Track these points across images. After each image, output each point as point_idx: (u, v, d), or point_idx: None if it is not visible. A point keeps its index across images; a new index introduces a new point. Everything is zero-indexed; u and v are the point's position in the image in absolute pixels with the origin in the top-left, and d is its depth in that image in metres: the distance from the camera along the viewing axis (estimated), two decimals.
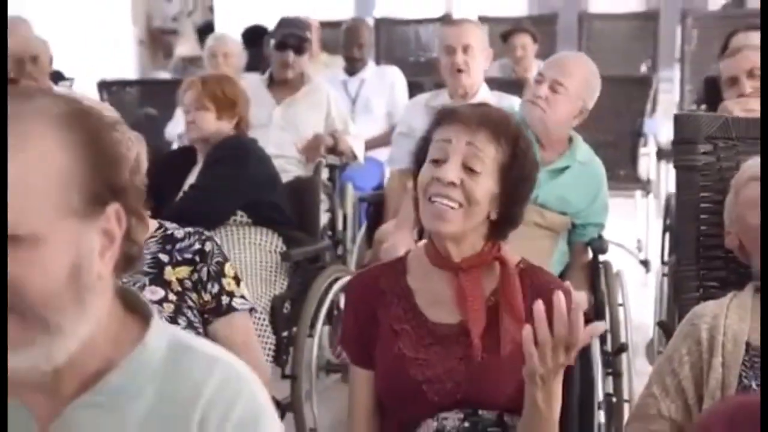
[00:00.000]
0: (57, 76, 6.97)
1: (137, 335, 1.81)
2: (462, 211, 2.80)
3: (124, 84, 8.31)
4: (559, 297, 2.45)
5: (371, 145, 6.42)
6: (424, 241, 3.13)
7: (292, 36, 6.19)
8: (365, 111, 6.80)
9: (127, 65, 13.29)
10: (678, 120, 3.61)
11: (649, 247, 6.41)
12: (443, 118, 2.97)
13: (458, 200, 2.81)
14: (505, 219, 2.87)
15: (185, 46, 14.45)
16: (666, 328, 4.15)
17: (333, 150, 5.85)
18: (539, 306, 2.44)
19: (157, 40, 15.42)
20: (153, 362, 1.81)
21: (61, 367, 1.72)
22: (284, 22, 6.54)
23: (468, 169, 2.81)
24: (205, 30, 14.64)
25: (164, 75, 12.28)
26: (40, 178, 1.68)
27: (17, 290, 1.66)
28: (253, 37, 8.67)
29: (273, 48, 6.30)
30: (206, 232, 3.34)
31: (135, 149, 3.10)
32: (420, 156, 2.96)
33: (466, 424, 2.78)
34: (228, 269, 3.22)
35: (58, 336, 1.70)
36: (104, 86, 7.50)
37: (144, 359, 1.80)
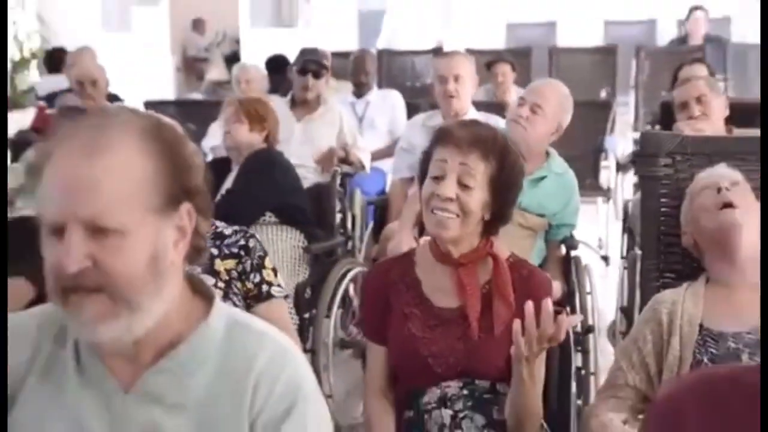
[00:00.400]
0: (112, 97, 6.98)
1: (201, 314, 1.84)
2: (459, 220, 2.82)
3: (165, 104, 8.28)
4: (548, 302, 2.51)
5: (375, 156, 6.41)
6: (427, 239, 3.12)
7: (311, 63, 6.15)
8: (370, 128, 6.78)
9: (166, 88, 13.25)
10: (643, 137, 3.65)
11: (608, 245, 6.46)
12: (440, 138, 2.97)
13: (455, 212, 2.82)
14: (496, 219, 2.90)
15: (215, 72, 14.47)
16: (627, 312, 4.22)
17: (344, 160, 5.83)
18: (530, 306, 2.49)
19: (191, 67, 15.39)
20: (215, 336, 1.84)
21: (140, 339, 1.76)
22: (305, 52, 6.50)
23: (462, 185, 2.83)
24: (231, 58, 14.80)
25: (197, 96, 12.25)
26: (126, 180, 1.70)
27: (106, 274, 1.69)
28: (275, 64, 8.65)
29: (295, 73, 6.25)
30: (250, 231, 3.36)
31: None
32: (423, 170, 2.97)
33: (465, 392, 2.79)
34: (267, 262, 3.24)
35: (138, 312, 1.73)
36: (149, 106, 7.44)
37: (207, 334, 1.83)
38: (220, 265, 3.14)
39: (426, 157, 2.99)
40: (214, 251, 3.28)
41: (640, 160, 3.57)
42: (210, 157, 6.36)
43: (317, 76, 6.08)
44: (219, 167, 4.99)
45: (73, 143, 1.74)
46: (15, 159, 5.41)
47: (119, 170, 1.72)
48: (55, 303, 1.77)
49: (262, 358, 1.83)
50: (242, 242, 3.22)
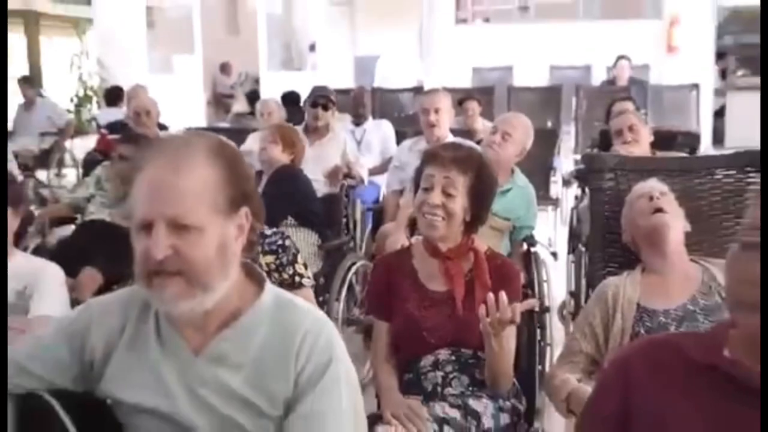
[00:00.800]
0: (160, 126, 6.99)
1: (255, 292, 1.87)
2: (445, 222, 2.84)
3: (200, 130, 8.25)
4: (503, 296, 2.51)
5: (371, 173, 6.34)
6: (419, 238, 3.13)
7: (321, 98, 6.13)
8: (367, 150, 6.71)
9: (199, 118, 13.21)
10: (590, 158, 3.71)
11: (556, 243, 6.45)
12: (428, 158, 2.98)
13: (441, 215, 2.84)
14: (475, 220, 2.91)
15: (238, 106, 14.47)
16: (575, 296, 4.15)
17: (347, 176, 5.77)
18: (502, 296, 2.50)
19: (219, 101, 15.35)
20: (266, 310, 1.86)
21: (208, 312, 1.79)
22: (316, 89, 6.47)
23: (447, 194, 2.86)
24: (251, 95, 14.72)
25: (224, 125, 12.21)
26: (201, 188, 1.75)
27: (184, 261, 1.73)
28: (289, 99, 8.55)
29: (308, 106, 6.20)
30: (286, 232, 3.38)
31: None
32: (416, 183, 2.99)
33: (453, 358, 2.80)
34: (299, 258, 3.26)
35: (209, 291, 1.76)
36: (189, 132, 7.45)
37: (260, 308, 1.85)
38: (261, 260, 3.11)
39: (418, 173, 3.01)
40: (257, 248, 3.26)
41: (590, 175, 3.57)
42: None
43: (326, 108, 6.06)
44: None
45: (160, 160, 1.77)
46: (86, 174, 5.39)
47: (196, 181, 1.77)
48: (141, 285, 1.79)
49: (304, 326, 1.85)
50: (280, 242, 3.23)
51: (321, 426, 1.79)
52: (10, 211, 3.08)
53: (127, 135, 5.38)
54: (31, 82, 10.66)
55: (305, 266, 3.27)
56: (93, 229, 4.78)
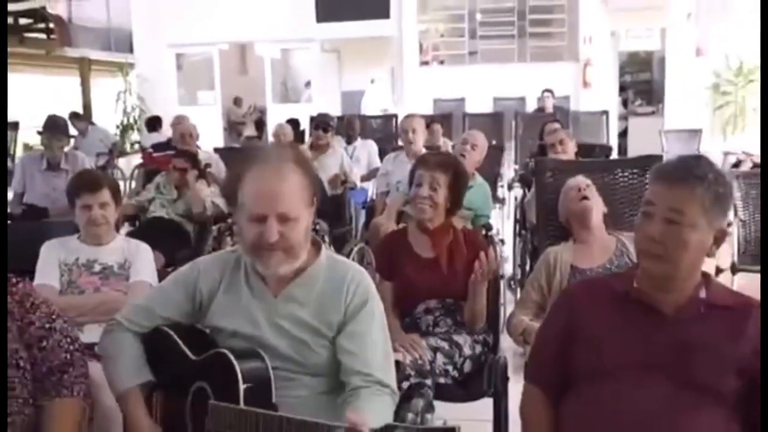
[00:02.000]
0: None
1: (315, 253, 1.97)
2: (432, 209, 2.94)
3: (222, 149, 8.12)
4: (491, 255, 2.69)
5: (361, 180, 6.37)
6: (403, 225, 3.29)
7: (323, 122, 6.24)
8: (356, 163, 6.67)
9: (218, 140, 13.10)
10: (537, 162, 3.78)
11: (504, 233, 6.29)
12: (419, 163, 3.10)
13: (429, 204, 2.94)
14: (453, 207, 3.00)
15: (248, 131, 14.16)
16: (522, 267, 4.33)
17: (344, 182, 5.86)
18: (482, 256, 2.66)
19: (233, 127, 15.12)
20: (323, 265, 1.97)
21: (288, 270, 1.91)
22: (319, 116, 6.60)
23: (432, 189, 2.95)
24: (259, 123, 14.44)
25: (237, 146, 12.11)
26: (296, 190, 1.85)
27: (286, 241, 1.84)
28: (292, 124, 8.50)
29: (313, 128, 6.31)
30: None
31: None
32: (410, 181, 3.07)
33: (439, 305, 2.89)
34: (326, 239, 3.28)
35: (297, 259, 1.89)
36: (217, 151, 7.41)
37: (319, 264, 1.96)
38: None
39: (411, 174, 3.11)
40: None
41: (537, 174, 3.64)
42: None
43: (326, 130, 6.18)
44: None
45: (265, 171, 1.86)
46: (149, 181, 5.42)
47: (293, 185, 1.86)
48: (250, 255, 1.91)
49: (349, 275, 1.96)
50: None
51: (361, 341, 1.90)
52: (114, 206, 3.13)
53: (179, 152, 5.48)
54: (80, 116, 10.52)
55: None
56: (155, 223, 4.85)
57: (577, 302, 1.90)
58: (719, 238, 1.74)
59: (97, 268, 3.00)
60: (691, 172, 1.71)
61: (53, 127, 5.33)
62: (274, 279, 1.94)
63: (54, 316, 1.91)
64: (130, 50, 14.69)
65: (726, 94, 11.83)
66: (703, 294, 1.76)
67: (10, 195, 5.50)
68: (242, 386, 1.72)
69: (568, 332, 1.86)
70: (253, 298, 1.95)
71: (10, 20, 14.18)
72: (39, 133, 5.32)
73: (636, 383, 1.69)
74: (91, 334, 2.54)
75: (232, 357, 1.78)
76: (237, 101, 15.62)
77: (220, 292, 1.98)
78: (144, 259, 3.12)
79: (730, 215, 4.35)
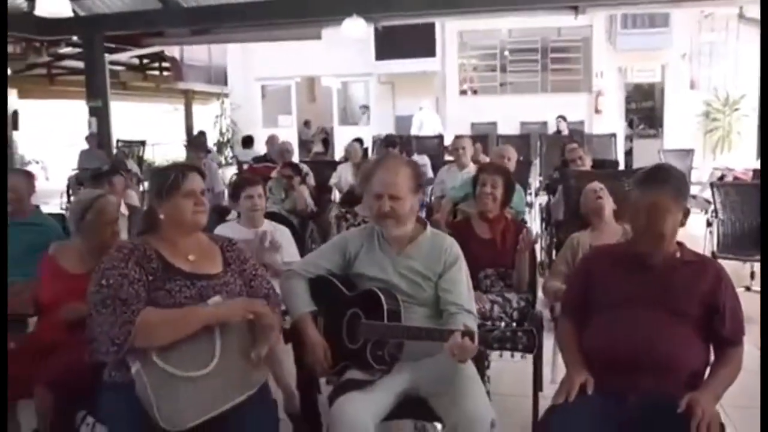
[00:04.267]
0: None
1: (422, 228, 2.23)
2: (492, 202, 3.12)
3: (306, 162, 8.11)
4: (524, 233, 2.91)
5: None
6: (456, 219, 3.23)
7: (391, 141, 6.57)
8: None
9: (294, 156, 13.13)
10: (563, 172, 3.94)
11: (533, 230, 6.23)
12: (482, 170, 3.32)
13: (490, 198, 3.16)
14: (506, 201, 3.19)
15: (316, 148, 14.12)
16: (548, 253, 4.45)
17: None
18: (524, 233, 2.91)
19: (303, 145, 14.81)
20: (428, 235, 2.23)
21: (403, 236, 2.20)
22: (388, 136, 6.95)
23: (492, 188, 3.18)
24: (325, 141, 14.33)
25: (307, 160, 12.05)
26: (403, 181, 2.15)
27: (395, 212, 2.09)
28: (359, 142, 8.39)
29: (383, 145, 6.49)
30: None
31: None
32: (474, 185, 3.24)
33: (495, 272, 3.06)
34: None
35: (404, 225, 2.16)
36: (302, 162, 7.25)
37: (426, 234, 2.22)
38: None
39: (475, 180, 3.33)
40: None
41: (564, 181, 3.75)
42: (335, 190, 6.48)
43: (394, 147, 6.34)
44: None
45: (388, 167, 2.15)
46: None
47: (402, 177, 2.15)
48: (375, 222, 2.18)
49: (446, 242, 2.24)
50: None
51: (454, 283, 2.15)
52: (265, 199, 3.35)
53: (286, 164, 5.84)
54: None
55: None
56: (270, 217, 5.26)
57: (593, 261, 2.16)
58: (686, 214, 1.97)
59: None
60: (660, 176, 1.93)
61: (195, 144, 5.85)
62: (396, 242, 2.19)
63: (257, 267, 2.19)
64: (225, 83, 15.05)
65: (715, 120, 11.79)
66: (678, 254, 2.03)
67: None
68: (386, 308, 2.10)
69: (588, 280, 2.07)
70: (383, 254, 2.21)
71: (135, 61, 14.66)
72: (185, 146, 5.80)
73: (633, 311, 1.93)
74: None
75: (378, 291, 2.13)
76: (307, 123, 15.70)
77: (362, 251, 2.24)
78: (288, 237, 3.37)
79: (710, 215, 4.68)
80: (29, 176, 3.79)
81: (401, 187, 2.14)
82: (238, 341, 1.96)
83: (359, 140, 9.37)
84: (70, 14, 7.03)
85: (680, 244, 2.06)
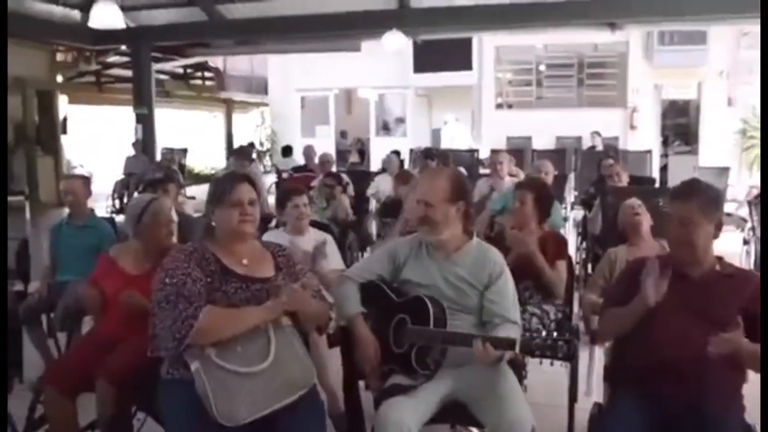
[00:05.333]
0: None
1: (469, 238, 2.26)
2: (525, 217, 3.13)
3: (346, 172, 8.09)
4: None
5: None
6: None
7: (430, 153, 6.37)
8: None
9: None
10: (602, 188, 3.91)
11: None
12: (517, 186, 3.31)
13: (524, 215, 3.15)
14: (542, 215, 3.16)
15: (352, 158, 14.08)
16: (585, 265, 4.38)
17: None
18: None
19: (340, 155, 14.76)
20: (474, 244, 2.27)
21: (448, 243, 2.22)
22: (427, 149, 6.82)
23: (521, 203, 3.18)
24: (361, 151, 14.48)
25: (343, 169, 12.13)
26: (439, 188, 2.18)
27: (429, 218, 2.13)
28: (396, 153, 8.52)
29: (422, 157, 6.34)
30: None
31: None
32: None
33: (534, 284, 2.99)
34: None
35: (438, 232, 2.19)
36: (342, 172, 7.09)
37: (472, 243, 2.26)
38: None
39: (513, 194, 3.28)
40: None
41: (601, 198, 3.76)
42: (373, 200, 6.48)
43: (432, 159, 6.27)
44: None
45: (427, 177, 2.24)
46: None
47: (436, 185, 2.19)
48: (416, 227, 2.22)
49: (491, 252, 2.26)
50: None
51: (501, 296, 2.19)
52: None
53: (328, 174, 5.91)
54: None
55: None
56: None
57: (638, 269, 2.12)
58: (718, 226, 2.00)
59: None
60: (690, 190, 1.99)
61: (241, 153, 6.01)
62: (442, 249, 2.23)
63: (305, 271, 2.26)
64: (266, 93, 15.26)
65: (752, 137, 11.63)
66: (717, 267, 2.07)
67: None
68: (432, 314, 2.15)
69: (632, 282, 2.07)
70: (430, 261, 2.26)
71: (180, 70, 15.01)
72: (232, 155, 5.91)
73: (674, 319, 1.98)
74: None
75: (426, 298, 2.18)
76: (343, 134, 15.86)
77: (410, 258, 2.29)
78: (333, 246, 3.40)
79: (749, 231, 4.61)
80: (86, 181, 3.92)
81: (435, 194, 2.19)
82: (292, 342, 2.04)
83: (397, 152, 9.48)
84: (123, 26, 7.22)
85: (719, 259, 2.09)
